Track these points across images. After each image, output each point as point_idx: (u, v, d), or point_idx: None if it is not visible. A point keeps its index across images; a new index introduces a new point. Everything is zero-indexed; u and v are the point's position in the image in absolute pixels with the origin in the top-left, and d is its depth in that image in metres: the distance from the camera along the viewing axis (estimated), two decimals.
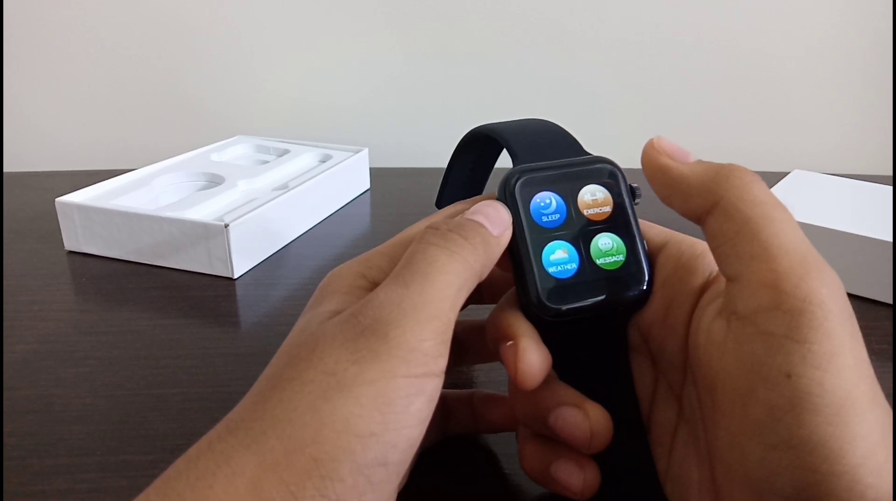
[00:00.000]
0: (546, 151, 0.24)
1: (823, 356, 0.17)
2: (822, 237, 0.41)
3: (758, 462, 0.17)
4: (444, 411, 0.27)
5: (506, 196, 0.22)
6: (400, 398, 0.17)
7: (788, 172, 0.53)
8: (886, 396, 0.18)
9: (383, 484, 0.17)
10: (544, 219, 0.22)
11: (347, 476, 0.16)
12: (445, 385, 0.26)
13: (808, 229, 0.42)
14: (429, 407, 0.18)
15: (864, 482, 0.16)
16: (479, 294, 0.26)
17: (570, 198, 0.23)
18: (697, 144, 0.75)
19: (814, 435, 0.16)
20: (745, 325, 0.18)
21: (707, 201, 0.20)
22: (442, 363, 0.19)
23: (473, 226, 0.21)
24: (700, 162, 0.21)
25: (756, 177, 0.20)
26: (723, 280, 0.20)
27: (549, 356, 0.21)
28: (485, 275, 0.21)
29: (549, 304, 0.21)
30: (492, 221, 0.21)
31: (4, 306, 0.39)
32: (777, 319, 0.17)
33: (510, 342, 0.21)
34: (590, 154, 0.24)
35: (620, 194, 0.23)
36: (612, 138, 0.73)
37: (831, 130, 0.75)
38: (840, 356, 0.17)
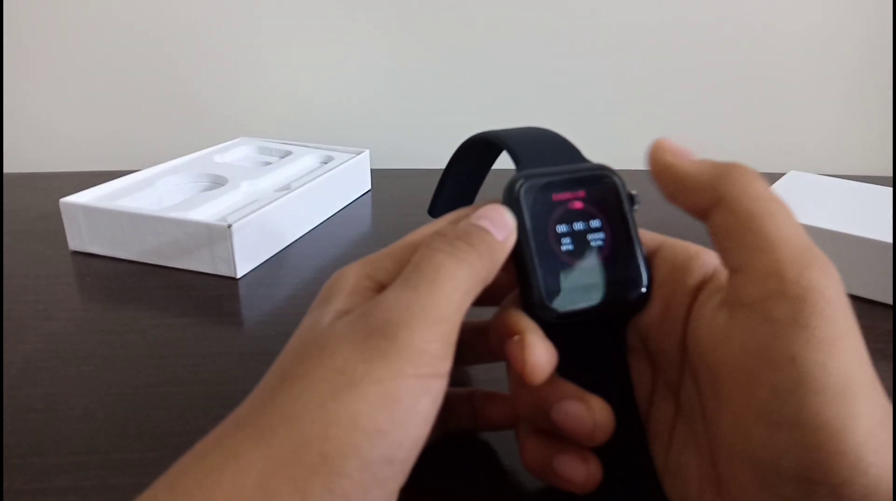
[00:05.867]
0: (548, 158, 0.24)
1: (826, 340, 0.17)
2: (819, 238, 0.41)
3: (763, 443, 0.18)
4: (446, 408, 0.27)
5: (510, 200, 0.23)
6: (407, 397, 0.18)
7: (784, 173, 0.53)
8: (886, 395, 0.18)
9: (389, 481, 0.18)
10: (548, 223, 0.23)
11: (354, 473, 0.17)
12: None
13: (806, 230, 0.42)
14: (434, 407, 0.19)
15: (866, 460, 0.16)
16: (481, 296, 0.26)
17: (572, 203, 0.23)
18: (694, 145, 0.75)
19: (818, 415, 0.17)
20: (750, 312, 0.19)
21: (711, 197, 0.20)
22: (447, 364, 0.19)
23: (479, 232, 0.21)
24: (704, 160, 0.22)
25: (758, 174, 0.20)
26: (720, 278, 0.21)
27: (554, 351, 0.22)
28: (490, 280, 0.21)
29: (551, 306, 0.22)
30: (497, 225, 0.21)
31: (9, 306, 0.39)
32: (781, 305, 0.18)
33: (517, 337, 0.21)
34: (590, 162, 0.24)
35: (620, 201, 0.23)
36: (610, 139, 0.74)
37: (827, 131, 0.75)
38: (842, 340, 0.17)
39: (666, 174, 0.22)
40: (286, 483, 0.16)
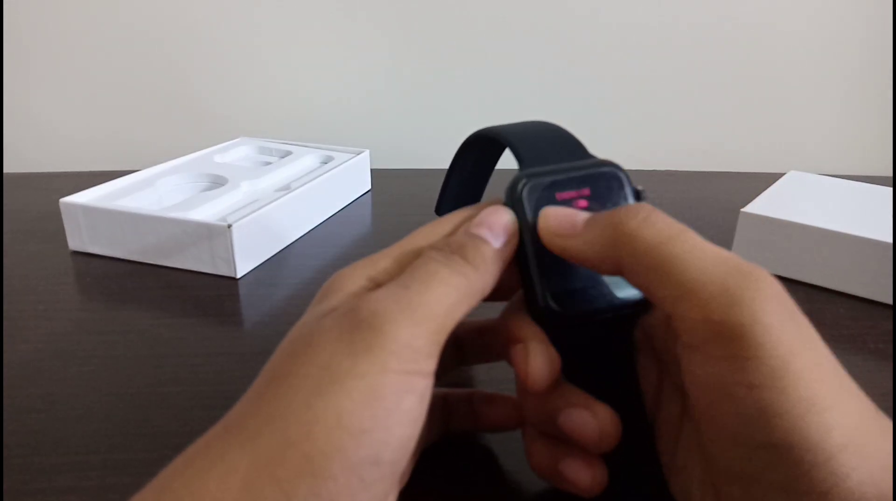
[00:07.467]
0: (551, 155, 0.23)
1: (777, 366, 0.17)
2: (820, 238, 0.41)
3: (744, 459, 0.18)
4: (445, 409, 0.27)
5: (513, 201, 0.22)
6: (391, 393, 0.17)
7: (784, 173, 0.53)
8: (885, 395, 0.18)
9: (376, 484, 0.17)
10: None
11: (339, 475, 0.16)
12: (446, 385, 0.26)
13: (806, 230, 0.42)
14: (420, 406, 0.18)
15: (847, 465, 0.16)
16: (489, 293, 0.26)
17: (577, 202, 0.22)
18: (694, 145, 0.75)
19: (789, 435, 0.17)
20: (697, 353, 0.19)
21: (613, 264, 0.20)
22: (432, 364, 0.19)
23: (475, 245, 0.21)
24: (591, 227, 0.21)
25: (647, 216, 0.20)
26: None
27: (558, 359, 0.21)
28: (488, 291, 0.21)
29: (556, 309, 0.21)
30: (495, 231, 0.21)
31: (9, 306, 0.39)
32: (722, 346, 0.18)
33: (520, 345, 0.21)
34: (594, 157, 0.24)
35: (626, 198, 0.23)
36: (610, 139, 0.74)
37: (827, 131, 0.75)
38: (796, 358, 0.17)
39: (565, 256, 0.21)
40: (271, 486, 0.16)
